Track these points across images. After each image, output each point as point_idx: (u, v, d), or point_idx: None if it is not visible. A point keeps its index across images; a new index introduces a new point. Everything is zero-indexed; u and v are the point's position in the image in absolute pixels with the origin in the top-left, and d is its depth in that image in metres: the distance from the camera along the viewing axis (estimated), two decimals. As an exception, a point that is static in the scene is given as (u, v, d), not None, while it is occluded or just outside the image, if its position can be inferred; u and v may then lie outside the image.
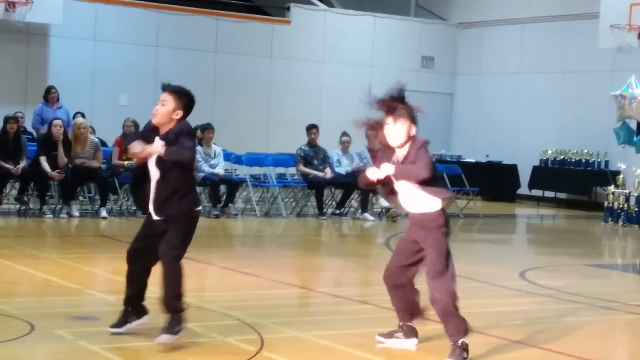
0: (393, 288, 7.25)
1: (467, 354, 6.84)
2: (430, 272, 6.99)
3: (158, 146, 6.85)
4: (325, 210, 18.33)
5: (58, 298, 8.98)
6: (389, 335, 7.39)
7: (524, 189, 24.78)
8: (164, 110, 6.95)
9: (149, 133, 7.09)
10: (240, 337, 7.30)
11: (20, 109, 19.50)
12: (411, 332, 7.37)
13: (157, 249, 6.90)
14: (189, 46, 23.83)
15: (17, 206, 16.18)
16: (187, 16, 23.96)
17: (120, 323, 7.20)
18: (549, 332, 8.20)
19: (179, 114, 6.96)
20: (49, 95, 18.86)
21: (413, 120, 6.98)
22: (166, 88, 7.10)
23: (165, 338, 6.77)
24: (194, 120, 20.84)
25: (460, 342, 6.85)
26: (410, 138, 6.96)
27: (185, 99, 7.04)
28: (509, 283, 11.01)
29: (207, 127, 17.57)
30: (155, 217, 6.96)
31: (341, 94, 25.30)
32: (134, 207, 17.06)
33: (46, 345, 6.94)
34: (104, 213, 16.01)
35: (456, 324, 6.90)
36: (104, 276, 10.66)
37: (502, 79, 26.37)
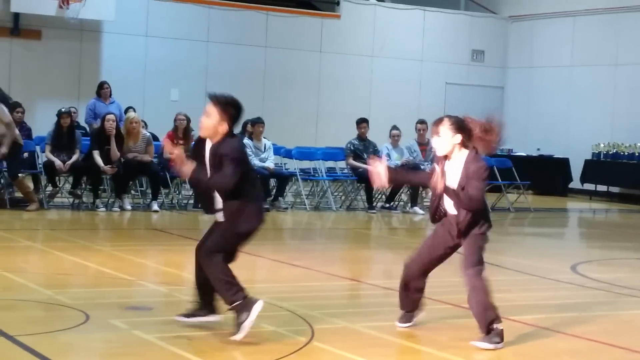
0: (412, 279, 7.43)
1: (501, 339, 7.03)
2: (467, 263, 7.10)
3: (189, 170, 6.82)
4: (374, 203, 18.35)
5: (112, 289, 9.09)
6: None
7: (575, 183, 24.63)
8: (209, 123, 6.80)
9: (200, 144, 7.00)
10: (291, 328, 7.37)
11: (73, 104, 19.73)
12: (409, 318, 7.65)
13: None
14: (239, 41, 23.96)
15: (71, 200, 16.36)
16: (238, 11, 24.08)
17: (189, 314, 7.27)
18: (600, 325, 8.19)
19: (224, 126, 6.77)
20: (102, 91, 19.05)
21: (461, 130, 7.22)
22: (211, 99, 6.85)
23: (239, 336, 6.80)
24: (245, 114, 20.91)
25: (494, 326, 7.02)
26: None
27: (232, 110, 6.81)
28: (561, 276, 10.98)
29: (257, 121, 17.67)
30: (219, 220, 7.00)
31: (391, 87, 25.36)
32: (185, 201, 17.23)
33: (101, 334, 7.05)
34: (155, 206, 16.16)
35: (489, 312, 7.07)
36: (156, 268, 10.77)
37: (553, 72, 26.21)
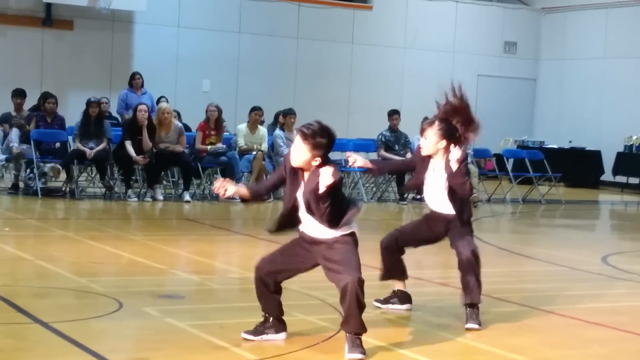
0: (393, 252, 7.92)
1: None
2: (467, 244, 7.54)
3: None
4: (406, 195, 18.36)
5: (144, 277, 9.17)
6: (385, 301, 7.93)
7: (607, 176, 24.53)
8: (299, 158, 6.36)
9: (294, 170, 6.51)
10: (321, 317, 7.41)
11: (105, 94, 19.86)
12: (406, 299, 7.93)
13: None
14: (271, 32, 24.01)
15: (103, 190, 16.48)
16: (269, 3, 24.12)
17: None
18: (629, 315, 8.20)
19: (317, 160, 6.30)
20: (134, 81, 19.16)
21: (447, 136, 7.45)
22: (300, 134, 6.35)
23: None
24: (276, 105, 21.02)
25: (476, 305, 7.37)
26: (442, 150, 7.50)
27: (323, 141, 6.32)
28: (591, 267, 10.97)
29: (289, 113, 17.73)
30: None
31: (422, 79, 25.30)
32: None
33: (134, 322, 7.12)
34: (187, 197, 16.24)
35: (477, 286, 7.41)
36: (188, 257, 10.85)
37: (586, 64, 26.10)
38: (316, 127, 6.33)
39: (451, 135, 7.43)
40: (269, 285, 6.62)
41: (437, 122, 7.47)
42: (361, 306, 6.27)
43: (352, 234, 6.47)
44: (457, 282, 7.64)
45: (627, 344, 7.27)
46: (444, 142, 7.43)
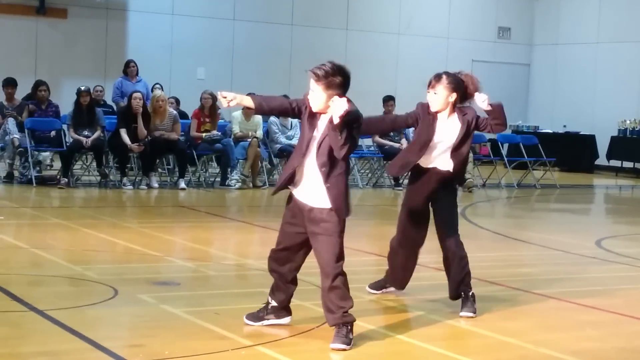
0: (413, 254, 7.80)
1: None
2: (449, 225, 7.47)
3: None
4: (401, 180, 18.37)
5: (139, 265, 9.20)
6: (379, 287, 8.00)
7: (602, 160, 24.58)
8: (320, 101, 6.20)
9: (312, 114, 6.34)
10: (317, 302, 7.40)
11: (100, 82, 19.86)
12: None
13: None
14: (266, 19, 23.99)
15: (98, 178, 16.48)
16: (263, -11, 24.10)
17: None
18: (623, 298, 8.24)
19: (334, 99, 6.10)
20: (128, 69, 19.14)
21: (458, 89, 7.37)
22: (314, 75, 6.26)
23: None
24: (271, 92, 20.98)
25: (471, 292, 7.34)
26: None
27: (337, 80, 6.21)
28: (585, 251, 11.01)
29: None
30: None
31: (417, 65, 25.27)
32: (212, 179, 17.32)
33: (130, 308, 7.15)
34: (182, 184, 16.25)
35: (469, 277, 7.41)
36: (184, 244, 10.86)
37: (579, 49, 26.11)
38: (328, 67, 6.27)
39: (460, 87, 7.34)
40: (283, 277, 6.65)
41: (444, 76, 7.36)
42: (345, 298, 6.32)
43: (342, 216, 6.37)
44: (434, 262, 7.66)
45: (620, 327, 7.31)
46: (454, 95, 7.32)
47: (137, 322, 6.83)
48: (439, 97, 7.32)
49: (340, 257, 6.41)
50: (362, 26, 25.23)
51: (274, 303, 6.72)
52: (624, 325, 7.35)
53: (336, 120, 6.01)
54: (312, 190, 6.34)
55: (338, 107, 6.00)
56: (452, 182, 7.53)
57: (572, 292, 8.29)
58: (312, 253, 6.52)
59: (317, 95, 6.22)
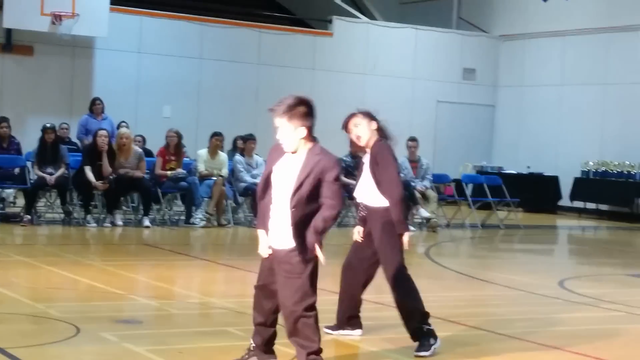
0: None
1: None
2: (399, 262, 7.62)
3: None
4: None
5: (102, 302, 9.15)
6: (337, 327, 7.84)
7: (565, 201, 24.73)
8: (284, 136, 6.18)
9: (278, 155, 6.29)
10: (280, 341, 7.39)
11: (65, 120, 19.81)
12: (358, 324, 7.84)
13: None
14: (232, 58, 24.05)
15: (62, 215, 16.40)
16: (230, 29, 24.17)
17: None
18: (587, 338, 8.27)
19: (301, 131, 6.16)
20: (94, 107, 19.09)
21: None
22: (274, 112, 6.24)
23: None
24: (237, 131, 21.00)
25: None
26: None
27: (299, 110, 6.21)
28: (548, 291, 11.06)
29: (249, 138, 17.75)
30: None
31: (383, 105, 24.87)
32: (176, 217, 17.28)
33: (92, 347, 7.10)
34: (147, 222, 16.20)
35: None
36: (147, 282, 10.82)
37: (543, 91, 26.33)
38: (289, 99, 6.22)
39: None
40: (264, 321, 6.53)
41: (362, 115, 7.89)
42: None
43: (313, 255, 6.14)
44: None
45: (582, 367, 7.35)
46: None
47: (99, 360, 6.80)
48: (365, 133, 7.82)
49: (301, 297, 6.15)
50: (329, 66, 25.35)
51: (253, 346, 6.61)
52: (586, 365, 7.39)
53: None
54: (283, 232, 6.16)
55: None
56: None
57: (534, 333, 8.33)
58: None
59: (284, 130, 6.14)
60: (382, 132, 7.63)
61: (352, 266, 7.79)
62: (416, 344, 7.26)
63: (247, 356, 6.62)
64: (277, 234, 6.20)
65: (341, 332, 7.83)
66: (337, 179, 6.11)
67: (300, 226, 6.06)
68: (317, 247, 6.03)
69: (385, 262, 7.47)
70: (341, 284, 7.85)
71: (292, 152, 6.20)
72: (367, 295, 8.10)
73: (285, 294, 6.17)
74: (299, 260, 6.09)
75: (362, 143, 7.60)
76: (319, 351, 6.18)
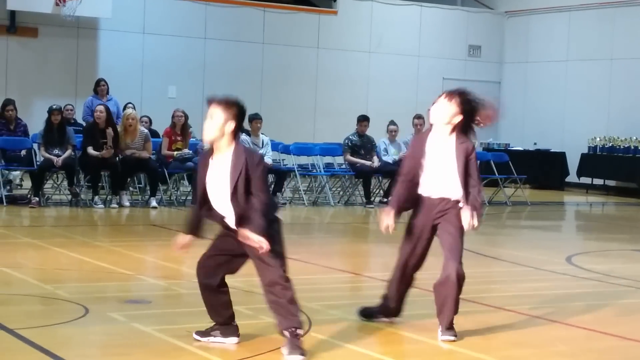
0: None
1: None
2: (457, 255, 7.16)
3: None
4: (372, 198, 18.43)
5: (110, 283, 9.16)
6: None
7: (572, 177, 24.68)
8: (214, 124, 6.43)
9: (205, 159, 6.56)
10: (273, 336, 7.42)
11: (70, 101, 19.79)
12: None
13: None
14: (237, 38, 24.01)
15: (69, 197, 16.41)
16: (234, 8, 24.13)
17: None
18: (594, 313, 8.28)
19: (230, 125, 6.40)
20: (99, 88, 19.07)
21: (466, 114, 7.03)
22: (212, 101, 6.55)
23: None
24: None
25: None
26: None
27: (235, 109, 6.46)
28: (555, 267, 11.07)
29: (255, 117, 17.72)
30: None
31: (388, 83, 25.44)
32: (183, 197, 17.29)
33: (100, 327, 7.12)
34: (154, 203, 16.21)
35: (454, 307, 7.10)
36: (155, 262, 10.84)
37: (549, 66, 26.27)
38: (228, 97, 6.56)
39: (470, 115, 6.98)
40: (210, 286, 6.67)
41: (458, 95, 6.96)
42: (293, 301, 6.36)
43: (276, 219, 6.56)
44: (424, 283, 7.68)
45: (591, 343, 7.35)
46: (459, 117, 6.96)
47: (108, 340, 6.81)
48: (445, 112, 6.99)
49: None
50: (333, 44, 25.29)
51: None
52: (595, 341, 7.39)
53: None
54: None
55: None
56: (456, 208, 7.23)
57: (543, 309, 8.33)
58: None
59: (215, 119, 6.43)
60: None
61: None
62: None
63: (210, 329, 6.77)
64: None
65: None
66: (264, 174, 6.42)
67: (244, 220, 6.34)
68: (258, 237, 6.26)
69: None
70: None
71: (211, 144, 6.47)
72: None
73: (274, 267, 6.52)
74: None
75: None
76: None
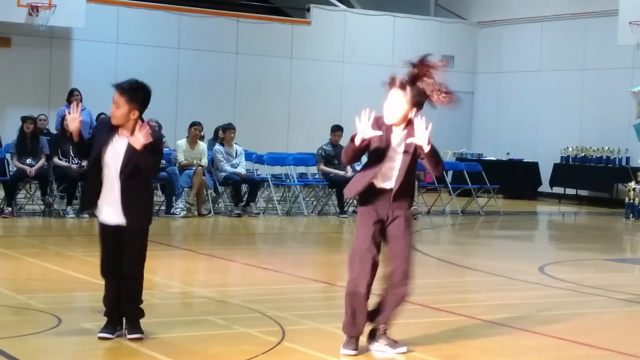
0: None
1: None
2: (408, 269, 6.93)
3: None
4: (346, 208, 18.46)
5: (83, 293, 9.14)
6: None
7: (545, 187, 24.80)
8: (120, 114, 6.95)
9: (110, 131, 7.11)
10: (262, 329, 7.44)
11: (44, 111, 19.73)
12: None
13: None
14: (210, 48, 24.01)
15: (42, 207, 16.35)
16: (208, 18, 24.13)
17: None
18: (566, 323, 8.32)
19: (135, 114, 6.91)
20: (72, 98, 18.99)
21: (416, 104, 6.91)
22: (117, 88, 7.02)
23: None
24: (216, 120, 20.94)
25: None
26: (408, 121, 6.90)
27: (140, 95, 6.94)
28: (528, 277, 11.12)
29: (228, 127, 17.74)
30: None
31: (361, 93, 25.35)
32: (157, 207, 17.24)
33: (73, 337, 7.10)
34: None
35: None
36: (129, 273, 10.80)
37: (522, 77, 26.41)
38: (133, 82, 6.99)
39: (421, 104, 6.81)
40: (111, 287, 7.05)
41: (409, 87, 6.81)
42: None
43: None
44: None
45: (563, 352, 7.39)
46: (414, 111, 6.82)
47: (81, 351, 6.79)
48: (398, 110, 6.95)
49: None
50: (307, 54, 25.33)
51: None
52: (567, 350, 7.43)
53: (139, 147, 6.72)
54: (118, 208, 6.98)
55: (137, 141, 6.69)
56: (405, 204, 7.09)
57: (515, 318, 8.36)
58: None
59: (120, 108, 6.93)
60: None
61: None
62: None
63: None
64: (117, 214, 6.95)
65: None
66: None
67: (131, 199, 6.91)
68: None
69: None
70: None
71: (120, 126, 6.93)
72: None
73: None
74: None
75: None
76: None
